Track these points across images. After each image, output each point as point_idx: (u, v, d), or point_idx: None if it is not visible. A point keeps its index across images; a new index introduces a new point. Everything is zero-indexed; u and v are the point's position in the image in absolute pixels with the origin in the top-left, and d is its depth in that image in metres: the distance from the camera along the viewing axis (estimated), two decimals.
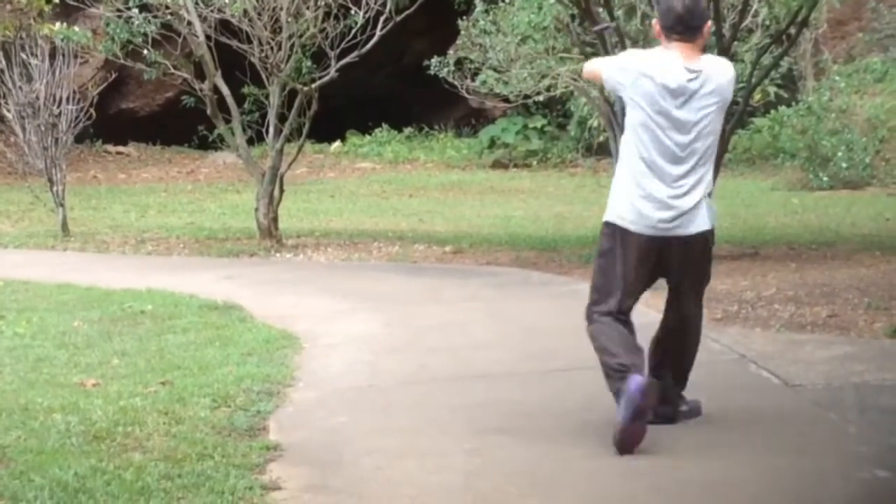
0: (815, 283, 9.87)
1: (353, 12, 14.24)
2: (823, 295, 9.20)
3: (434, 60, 25.01)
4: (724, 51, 11.90)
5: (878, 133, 20.27)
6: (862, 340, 7.66)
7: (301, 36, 14.06)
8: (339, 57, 14.23)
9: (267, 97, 14.40)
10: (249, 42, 14.11)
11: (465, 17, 24.58)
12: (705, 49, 5.91)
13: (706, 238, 5.79)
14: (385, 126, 29.23)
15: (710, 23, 5.92)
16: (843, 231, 14.13)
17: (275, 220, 14.10)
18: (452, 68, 25.02)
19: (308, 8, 13.98)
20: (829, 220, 15.44)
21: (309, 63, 14.49)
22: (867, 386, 6.43)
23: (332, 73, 14.19)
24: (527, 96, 24.84)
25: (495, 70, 24.58)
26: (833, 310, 8.57)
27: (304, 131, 14.46)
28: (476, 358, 7.61)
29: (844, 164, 19.75)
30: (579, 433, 5.82)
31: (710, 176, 5.75)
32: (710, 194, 5.75)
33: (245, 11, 13.89)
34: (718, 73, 5.73)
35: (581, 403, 6.34)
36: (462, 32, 24.73)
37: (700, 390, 6.27)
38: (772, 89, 23.32)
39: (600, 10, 12.31)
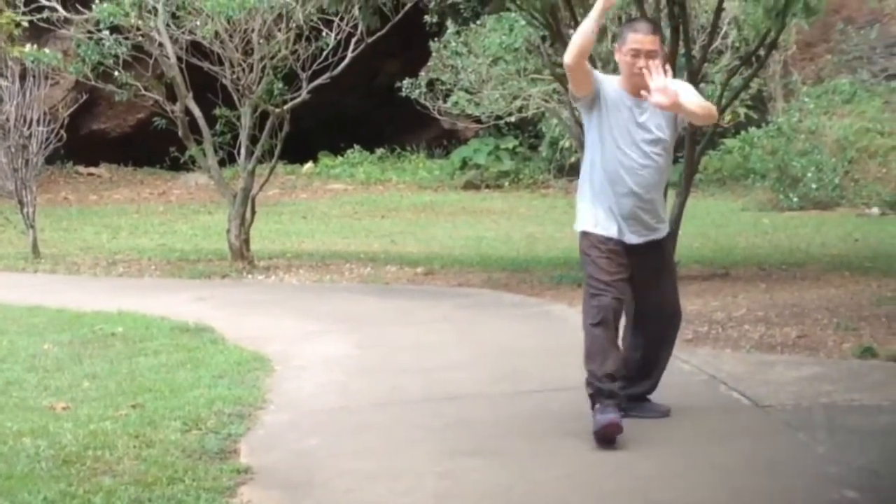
0: (784, 303, 9.92)
1: (324, 34, 14.31)
2: (793, 315, 9.24)
3: (406, 82, 25.07)
4: (695, 72, 11.97)
5: (846, 154, 20.41)
6: (831, 361, 7.70)
7: (272, 58, 14.10)
8: (311, 78, 14.28)
9: (238, 119, 14.40)
10: (221, 64, 14.15)
11: (436, 39, 24.67)
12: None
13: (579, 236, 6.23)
14: (357, 147, 29.26)
15: (616, 44, 6.26)
16: (813, 251, 14.21)
17: (246, 241, 14.10)
18: (424, 90, 25.10)
19: (279, 30, 14.03)
20: (799, 241, 15.53)
21: (280, 85, 14.52)
22: (836, 406, 6.45)
23: (303, 94, 14.23)
24: (498, 117, 24.94)
25: (467, 91, 24.66)
26: (802, 330, 8.61)
27: (276, 153, 14.49)
28: (448, 379, 7.61)
29: (814, 185, 19.88)
30: (551, 455, 5.82)
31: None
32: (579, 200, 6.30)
33: (216, 33, 13.93)
34: None
35: (553, 425, 6.35)
36: (434, 54, 24.82)
37: (671, 411, 6.34)
38: (742, 110, 23.48)
39: (570, 31, 12.35)
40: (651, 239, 6.22)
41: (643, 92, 5.95)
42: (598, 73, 6.18)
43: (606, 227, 6.09)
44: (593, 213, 6.12)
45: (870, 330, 8.51)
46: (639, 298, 6.20)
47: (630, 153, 6.08)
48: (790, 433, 6.04)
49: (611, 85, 6.13)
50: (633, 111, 6.08)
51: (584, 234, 6.13)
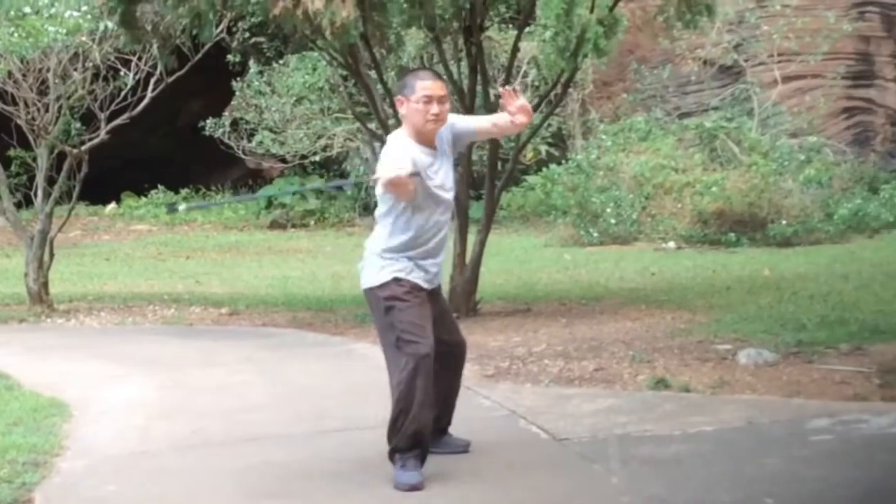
0: (583, 337, 10.13)
1: (122, 73, 14.15)
2: (591, 349, 9.45)
3: (209, 121, 24.98)
4: (493, 111, 12.17)
5: (643, 190, 20.93)
6: (626, 393, 7.90)
7: (69, 97, 13.87)
8: (110, 118, 14.09)
9: (35, 160, 14.11)
10: (15, 104, 13.86)
11: (239, 79, 24.63)
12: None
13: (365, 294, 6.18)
14: (161, 188, 28.92)
15: (399, 97, 6.17)
16: (612, 286, 14.53)
17: (45, 284, 13.80)
18: (228, 129, 25.05)
19: (76, 69, 13.81)
20: (599, 275, 15.86)
21: (78, 125, 14.31)
22: (630, 437, 6.62)
23: (102, 135, 14.03)
24: (303, 156, 25.05)
25: (271, 130, 24.74)
26: (600, 363, 8.82)
27: (75, 194, 14.23)
28: (250, 420, 7.57)
29: (613, 220, 20.36)
30: (354, 494, 5.84)
31: (373, 234, 6.17)
32: (377, 254, 6.13)
33: (10, 73, 13.65)
34: None
35: (356, 464, 6.36)
36: (237, 93, 24.80)
37: (471, 446, 6.42)
38: (543, 148, 23.98)
39: (371, 72, 12.48)
40: (439, 282, 6.32)
41: (509, 110, 6.09)
42: (407, 151, 6.03)
43: (415, 276, 6.07)
44: (400, 263, 6.06)
45: (663, 361, 8.76)
46: (437, 337, 6.18)
47: (433, 205, 6.09)
48: (585, 465, 6.18)
49: (412, 149, 6.04)
50: (429, 164, 6.06)
51: (397, 281, 6.02)
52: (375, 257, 6.10)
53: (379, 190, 5.98)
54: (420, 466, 5.94)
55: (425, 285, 6.11)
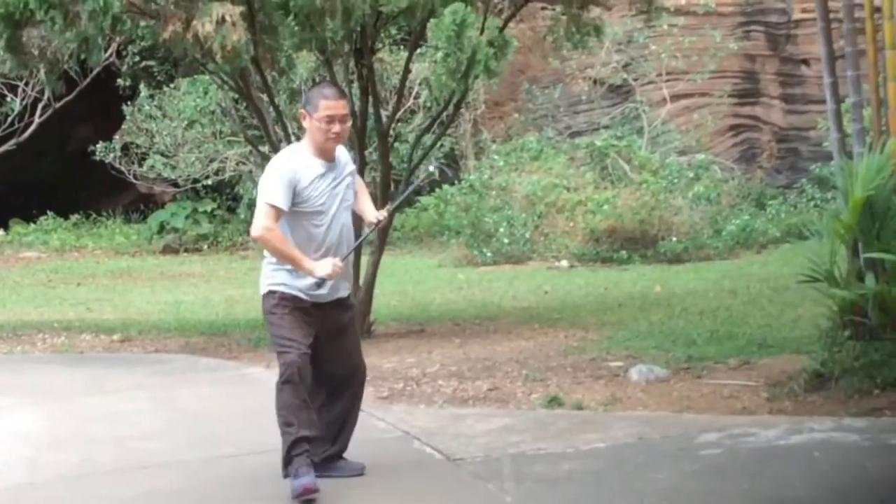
0: (477, 357, 10.17)
1: (9, 99, 13.98)
2: (485, 369, 9.50)
3: (100, 146, 24.65)
4: (383, 133, 12.24)
5: (536, 209, 21.05)
6: (520, 412, 7.95)
7: None
8: None
9: None
10: None
11: (130, 103, 24.38)
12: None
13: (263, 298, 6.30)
14: (51, 214, 28.43)
15: (302, 110, 6.36)
16: (505, 305, 14.59)
17: None
18: (119, 154, 24.76)
19: None
20: (493, 295, 15.91)
21: None
22: (523, 456, 6.66)
23: None
24: (195, 180, 24.83)
25: (163, 155, 24.48)
26: (494, 383, 8.86)
27: None
28: (141, 448, 7.49)
29: (506, 240, 20.44)
30: None
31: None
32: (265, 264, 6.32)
33: None
34: None
35: (248, 489, 6.35)
36: (128, 118, 24.52)
37: (366, 469, 6.41)
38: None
39: (262, 95, 12.44)
40: (342, 295, 6.38)
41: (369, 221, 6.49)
42: (288, 175, 6.15)
43: (291, 289, 6.19)
44: (279, 276, 6.20)
45: (556, 380, 8.83)
46: (331, 356, 6.26)
47: (339, 214, 6.28)
48: (479, 485, 6.20)
49: (300, 165, 6.20)
50: (330, 175, 6.24)
51: (272, 294, 6.20)
52: (265, 266, 6.31)
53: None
54: (311, 470, 6.01)
55: (304, 297, 6.18)
